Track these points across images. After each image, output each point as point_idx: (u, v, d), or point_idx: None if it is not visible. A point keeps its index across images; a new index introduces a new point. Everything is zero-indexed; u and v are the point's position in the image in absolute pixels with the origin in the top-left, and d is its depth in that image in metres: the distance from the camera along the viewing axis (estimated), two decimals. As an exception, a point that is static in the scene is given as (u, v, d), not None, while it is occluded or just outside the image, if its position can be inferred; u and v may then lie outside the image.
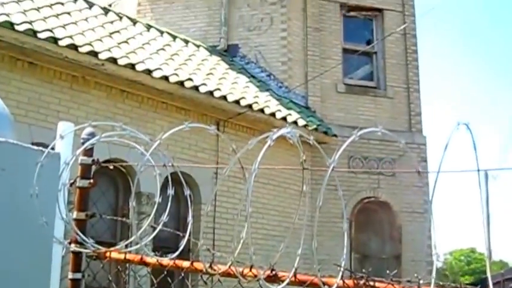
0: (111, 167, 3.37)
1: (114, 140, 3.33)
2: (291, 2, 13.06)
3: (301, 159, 2.63)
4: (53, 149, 3.35)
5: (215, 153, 10.21)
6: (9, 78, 8.18)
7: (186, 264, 2.71)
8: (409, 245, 12.54)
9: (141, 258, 2.95)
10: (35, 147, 3.36)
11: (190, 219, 2.93)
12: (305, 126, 11.35)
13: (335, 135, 12.06)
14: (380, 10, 14.03)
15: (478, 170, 2.43)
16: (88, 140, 3.39)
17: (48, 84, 8.57)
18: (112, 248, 3.02)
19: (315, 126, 11.59)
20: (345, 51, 13.55)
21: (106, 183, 9.11)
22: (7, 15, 8.12)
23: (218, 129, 10.45)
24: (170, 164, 3.12)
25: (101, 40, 9.32)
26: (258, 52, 12.76)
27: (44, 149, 3.31)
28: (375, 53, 13.83)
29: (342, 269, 2.04)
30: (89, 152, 3.38)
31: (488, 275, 2.39)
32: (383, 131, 2.31)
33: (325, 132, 11.86)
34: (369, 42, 14.00)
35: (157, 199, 2.98)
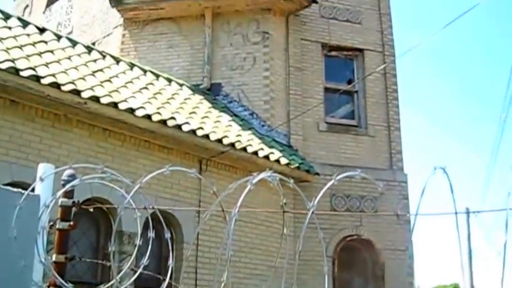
0: (91, 210, 3.35)
1: (95, 182, 3.33)
2: (274, 41, 13.22)
3: (281, 202, 2.65)
4: (32, 190, 3.34)
5: (197, 191, 10.20)
6: (-9, 116, 8.16)
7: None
8: (391, 282, 12.52)
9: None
10: (14, 190, 3.34)
11: (171, 262, 2.92)
12: (287, 164, 11.38)
13: (317, 174, 12.12)
14: (360, 50, 14.24)
15: (456, 213, 2.46)
16: (69, 181, 3.39)
17: (29, 123, 8.52)
18: (91, 292, 3.02)
19: (297, 165, 11.63)
20: (327, 90, 13.69)
21: (87, 223, 9.04)
22: (-11, 53, 8.14)
23: (201, 167, 10.50)
24: (151, 207, 3.12)
25: (83, 79, 9.33)
26: (240, 91, 12.85)
27: (23, 191, 3.29)
28: (356, 92, 13.99)
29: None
30: (69, 194, 3.38)
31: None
32: (362, 174, 2.34)
33: (307, 171, 11.91)
34: (350, 82, 14.17)
35: (138, 242, 2.98)
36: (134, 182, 2.98)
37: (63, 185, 3.41)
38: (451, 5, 35.30)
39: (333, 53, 14.13)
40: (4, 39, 9.09)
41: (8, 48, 8.73)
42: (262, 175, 2.05)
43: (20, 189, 3.32)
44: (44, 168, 3.42)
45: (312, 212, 1.94)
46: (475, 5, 8.87)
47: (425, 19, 37.72)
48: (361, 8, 14.63)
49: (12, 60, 8.28)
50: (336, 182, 1.98)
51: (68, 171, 3.46)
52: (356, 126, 13.81)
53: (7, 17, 10.13)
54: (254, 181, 2.04)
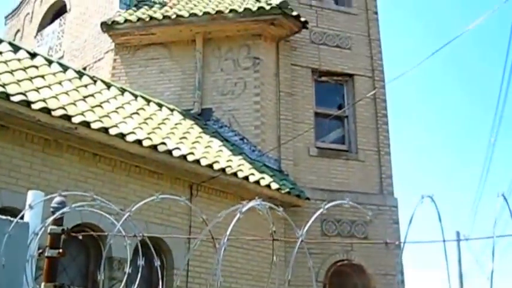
0: (80, 237, 3.34)
1: (85, 211, 3.32)
2: (264, 67, 13.29)
3: (270, 230, 2.66)
4: (22, 218, 3.33)
5: (188, 216, 10.17)
6: (-20, 140, 8.14)
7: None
8: (383, 307, 12.49)
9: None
10: (3, 217, 3.33)
11: (160, 290, 2.92)
12: (278, 189, 11.38)
13: (308, 198, 12.11)
14: (351, 75, 14.33)
15: (444, 241, 2.47)
16: (58, 208, 3.38)
17: (19, 148, 8.50)
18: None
19: (287, 190, 11.63)
20: (317, 115, 13.75)
21: (76, 249, 8.98)
22: (-20, 78, 8.14)
23: (191, 192, 10.50)
24: (140, 234, 3.12)
25: (74, 104, 9.33)
26: (231, 116, 12.87)
27: (12, 219, 3.28)
28: (346, 117, 14.05)
29: None
30: (58, 221, 3.36)
31: None
32: (350, 203, 2.35)
33: (298, 196, 11.90)
34: (340, 106, 14.23)
35: (127, 269, 2.97)
36: (124, 209, 2.98)
37: (53, 212, 3.40)
38: (443, 31, 35.62)
39: (323, 78, 14.22)
40: (-5, 64, 9.10)
41: (-2, 74, 8.74)
42: (251, 204, 2.05)
43: (8, 217, 3.31)
44: (33, 196, 3.41)
45: (302, 241, 1.94)
46: (461, 33, 8.96)
47: (416, 44, 38.06)
48: (351, 34, 14.76)
49: (3, 85, 8.28)
50: (324, 210, 1.98)
51: (58, 199, 3.45)
52: (346, 151, 13.84)
53: (-2, 42, 10.15)
54: (243, 210, 2.05)
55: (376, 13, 15.37)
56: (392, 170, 13.86)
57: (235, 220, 1.96)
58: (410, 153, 37.93)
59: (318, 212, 1.98)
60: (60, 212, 3.09)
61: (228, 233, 1.94)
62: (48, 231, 3.32)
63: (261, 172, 11.56)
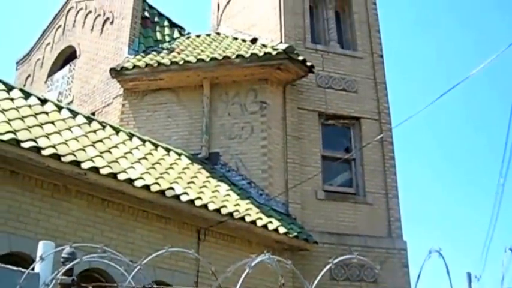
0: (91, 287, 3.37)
1: (94, 260, 3.36)
2: (271, 111, 13.40)
3: (279, 283, 2.68)
4: (32, 269, 3.37)
5: (196, 261, 10.14)
6: (-10, 186, 8.21)
7: None
8: None
9: None
10: (15, 268, 3.36)
11: None
12: (286, 233, 11.37)
13: (316, 242, 12.08)
14: (357, 118, 14.41)
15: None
16: (68, 259, 3.42)
17: (29, 193, 8.57)
18: None
19: (295, 234, 11.60)
20: (324, 158, 13.78)
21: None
22: (-9, 124, 8.26)
23: (199, 237, 10.50)
24: (149, 286, 3.15)
25: (83, 149, 9.42)
26: (238, 160, 12.93)
27: (23, 270, 3.32)
28: (353, 159, 14.07)
29: None
30: (68, 272, 3.40)
31: None
32: (359, 257, 2.38)
33: (306, 240, 11.87)
34: (347, 149, 14.27)
35: (137, 321, 2.99)
36: (133, 257, 3.02)
37: (63, 263, 3.44)
38: (450, 73, 35.91)
39: (330, 122, 14.30)
40: (6, 110, 9.23)
41: (9, 120, 8.86)
42: (260, 258, 2.10)
43: (20, 268, 3.35)
44: (44, 247, 3.45)
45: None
46: (467, 77, 9.02)
47: (424, 85, 38.37)
48: (356, 77, 14.89)
49: (14, 132, 8.40)
50: (333, 265, 2.02)
51: (68, 249, 3.49)
52: (354, 194, 13.83)
53: (10, 88, 10.31)
54: (253, 264, 2.08)
55: (381, 56, 15.54)
56: (401, 213, 13.81)
57: (244, 275, 2.00)
58: (419, 194, 37.72)
59: (327, 268, 2.02)
60: (71, 264, 3.13)
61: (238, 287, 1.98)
62: (59, 281, 3.36)
63: (269, 216, 11.56)
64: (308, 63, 13.72)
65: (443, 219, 36.64)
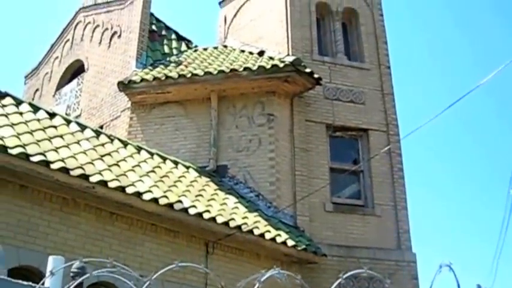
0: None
1: (104, 275, 3.36)
2: (279, 123, 13.41)
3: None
4: (43, 284, 3.37)
5: (204, 274, 10.12)
6: (0, 200, 8.23)
7: None
8: None
9: None
10: (25, 283, 3.37)
11: None
12: (294, 246, 11.34)
13: (324, 255, 12.05)
14: (365, 130, 14.40)
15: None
16: (78, 273, 3.43)
17: (38, 207, 8.60)
18: None
19: (304, 246, 11.57)
20: (332, 170, 13.76)
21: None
22: (1, 139, 8.29)
23: (207, 250, 10.49)
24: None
25: (92, 163, 9.45)
26: (246, 172, 12.92)
27: (33, 284, 3.32)
28: (362, 171, 14.05)
29: None
30: (78, 286, 3.40)
31: None
32: (369, 272, 2.38)
33: (315, 252, 11.83)
34: (355, 161, 14.25)
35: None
36: (141, 270, 3.02)
37: (73, 277, 3.45)
38: (460, 83, 35.90)
39: (338, 134, 14.30)
40: (15, 124, 9.28)
41: (19, 134, 8.90)
42: (270, 273, 2.09)
43: (30, 282, 3.35)
44: (54, 262, 3.46)
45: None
46: (475, 87, 9.01)
47: (433, 95, 38.35)
48: (364, 89, 14.90)
49: (23, 146, 8.44)
50: (343, 280, 2.02)
51: (77, 264, 3.50)
52: (363, 206, 13.79)
53: (19, 102, 10.37)
54: (262, 279, 2.08)
55: (388, 67, 15.55)
56: (410, 224, 13.76)
57: (255, 290, 2.00)
58: (429, 205, 37.57)
59: (336, 283, 2.01)
60: (81, 279, 3.14)
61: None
62: (69, 296, 3.36)
63: (277, 229, 11.54)
64: (315, 75, 13.74)
65: (453, 230, 36.47)
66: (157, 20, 16.77)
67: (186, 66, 14.18)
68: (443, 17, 40.39)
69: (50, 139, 9.51)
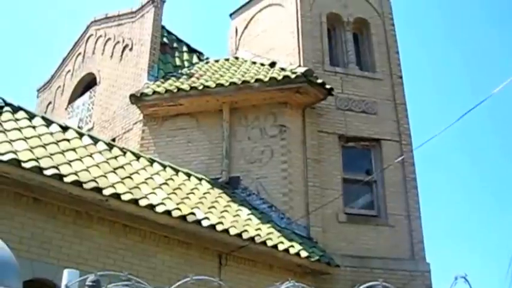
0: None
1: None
2: (291, 134, 13.39)
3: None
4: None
5: (218, 286, 10.06)
6: (13, 213, 8.28)
7: None
8: None
9: None
10: (40, 297, 3.37)
11: None
12: (307, 257, 11.29)
13: (338, 266, 12.00)
14: (377, 140, 14.35)
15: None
16: (93, 287, 3.43)
17: (51, 220, 8.65)
18: None
19: (317, 257, 11.52)
20: (345, 181, 13.70)
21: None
22: (14, 152, 8.34)
23: (220, 262, 10.48)
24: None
25: (105, 176, 9.48)
26: (259, 184, 12.90)
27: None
28: (375, 181, 13.98)
29: None
30: (93, 300, 3.40)
31: None
32: (384, 284, 2.36)
33: (328, 263, 11.78)
34: (368, 171, 14.19)
35: None
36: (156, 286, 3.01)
37: (87, 291, 3.45)
38: (472, 91, 35.71)
39: (350, 144, 14.26)
40: (29, 138, 9.34)
41: (32, 147, 8.96)
42: (284, 285, 2.09)
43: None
44: (69, 275, 3.46)
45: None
46: (490, 95, 8.94)
47: (445, 104, 38.15)
48: (376, 99, 14.86)
49: (36, 159, 8.49)
50: (359, 292, 2.01)
51: (92, 277, 3.50)
52: (376, 216, 13.73)
53: (32, 116, 10.43)
54: (278, 292, 2.07)
55: (400, 77, 15.51)
56: (424, 234, 13.67)
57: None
58: (443, 215, 37.31)
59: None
60: (96, 292, 3.14)
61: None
62: (83, 310, 3.36)
63: (290, 240, 11.51)
64: (327, 86, 13.74)
65: (468, 240, 36.20)
66: (169, 33, 16.84)
67: (198, 79, 14.22)
68: (455, 25, 40.31)
69: (63, 152, 9.56)
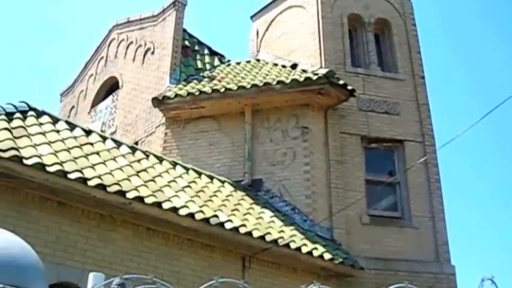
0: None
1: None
2: (313, 136, 13.35)
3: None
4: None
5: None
6: (38, 217, 8.34)
7: None
8: None
9: None
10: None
11: None
12: (331, 260, 11.23)
13: (362, 268, 11.91)
14: (400, 141, 14.26)
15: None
16: (118, 290, 3.43)
17: (76, 223, 8.70)
18: None
19: (341, 260, 11.45)
20: (368, 182, 13.63)
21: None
22: (39, 156, 8.42)
23: (244, 264, 10.47)
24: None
25: (128, 179, 9.52)
26: (281, 186, 12.87)
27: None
28: (398, 183, 13.89)
29: None
30: (119, 304, 3.41)
31: None
32: (410, 286, 2.33)
33: (352, 266, 11.70)
34: (391, 173, 14.09)
35: None
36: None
37: (113, 295, 3.45)
38: (496, 89, 35.31)
39: (373, 145, 14.19)
40: (53, 142, 9.41)
41: (56, 151, 9.03)
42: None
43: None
44: (94, 279, 3.47)
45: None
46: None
47: (469, 103, 37.74)
48: (398, 100, 14.77)
49: (61, 163, 8.56)
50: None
51: (117, 280, 3.51)
52: (400, 218, 13.62)
53: (55, 120, 10.52)
54: (305, 295, 2.05)
55: (423, 77, 15.41)
56: (448, 236, 13.53)
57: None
58: (468, 216, 36.93)
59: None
60: (122, 296, 3.14)
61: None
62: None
63: (314, 242, 11.46)
64: (349, 87, 13.68)
65: (494, 241, 35.80)
66: (190, 36, 16.89)
67: (220, 81, 14.24)
68: (477, 24, 39.96)
69: (86, 156, 9.62)
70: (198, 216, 9.64)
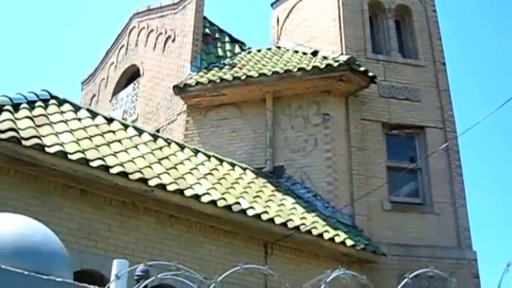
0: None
1: (168, 278, 3.38)
2: (334, 122, 13.32)
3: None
4: (108, 287, 3.42)
5: (263, 275, 10.12)
6: (61, 205, 8.41)
7: None
8: None
9: None
10: (91, 287, 3.42)
11: None
12: (353, 246, 11.24)
13: (384, 254, 11.90)
14: (422, 127, 14.19)
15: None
16: (141, 277, 3.47)
17: (98, 211, 8.77)
18: None
19: (363, 246, 11.46)
20: (389, 168, 13.59)
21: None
22: (61, 144, 8.48)
23: (266, 251, 10.50)
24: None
25: (150, 167, 9.57)
26: (303, 173, 12.88)
27: (100, 288, 3.37)
28: (419, 169, 13.84)
29: None
30: (143, 289, 3.44)
31: None
32: (435, 271, 2.33)
33: (374, 252, 11.70)
34: (412, 159, 14.04)
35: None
36: (207, 278, 3.03)
37: (137, 281, 3.49)
38: None
39: (394, 132, 14.13)
40: (75, 130, 9.47)
41: (78, 139, 9.08)
42: (336, 273, 2.08)
43: (96, 286, 3.41)
44: (118, 265, 3.50)
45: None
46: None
47: (490, 90, 37.31)
48: (419, 86, 14.68)
49: (83, 151, 8.61)
50: (409, 280, 1.99)
51: (141, 267, 3.55)
52: (421, 204, 13.59)
53: (77, 108, 10.58)
54: (328, 279, 2.07)
55: (444, 64, 15.29)
56: (470, 222, 13.47)
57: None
58: (489, 202, 36.64)
59: (402, 283, 1.99)
60: (146, 282, 3.17)
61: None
62: (134, 299, 3.40)
63: (335, 229, 11.47)
64: (370, 74, 13.62)
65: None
66: (211, 23, 16.89)
67: (241, 68, 14.24)
68: (499, 9, 39.41)
69: (108, 144, 9.68)
70: (220, 203, 9.67)
